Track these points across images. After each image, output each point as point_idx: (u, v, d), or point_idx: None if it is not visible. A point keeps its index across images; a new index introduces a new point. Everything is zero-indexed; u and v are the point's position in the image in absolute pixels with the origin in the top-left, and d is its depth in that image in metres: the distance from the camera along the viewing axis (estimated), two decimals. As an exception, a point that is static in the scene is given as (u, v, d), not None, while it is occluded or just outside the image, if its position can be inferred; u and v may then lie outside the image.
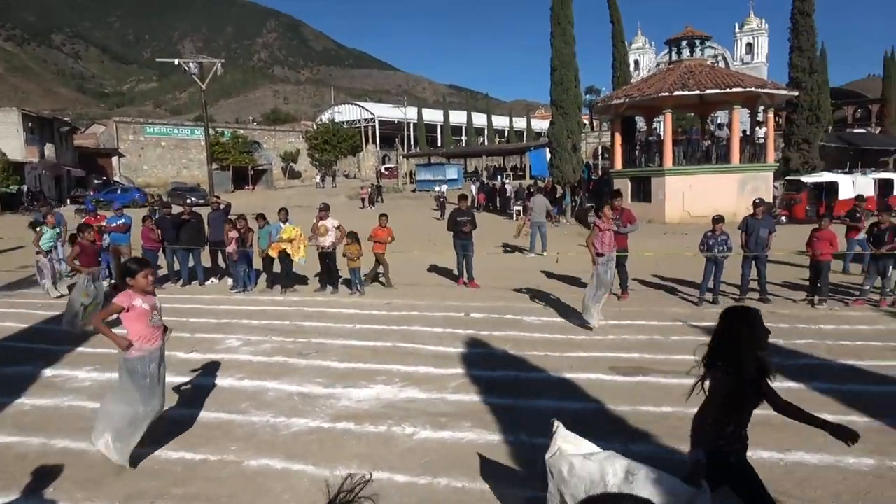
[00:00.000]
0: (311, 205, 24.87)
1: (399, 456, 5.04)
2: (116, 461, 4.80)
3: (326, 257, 12.12)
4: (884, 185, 23.82)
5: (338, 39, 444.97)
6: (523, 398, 6.20)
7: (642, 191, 25.40)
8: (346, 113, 79.33)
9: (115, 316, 5.00)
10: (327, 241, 11.96)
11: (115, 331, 4.95)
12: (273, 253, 12.22)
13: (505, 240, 18.83)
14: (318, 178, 54.73)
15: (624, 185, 25.67)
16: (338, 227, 12.09)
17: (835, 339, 8.05)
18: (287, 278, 12.36)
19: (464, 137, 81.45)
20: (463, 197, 13.23)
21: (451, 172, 46.68)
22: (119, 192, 40.94)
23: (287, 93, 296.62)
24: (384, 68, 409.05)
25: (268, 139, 66.39)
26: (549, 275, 13.57)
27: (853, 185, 23.30)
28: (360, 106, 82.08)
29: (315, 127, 66.64)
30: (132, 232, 13.41)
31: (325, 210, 12.28)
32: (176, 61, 33.31)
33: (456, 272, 12.65)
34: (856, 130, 58.03)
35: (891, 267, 9.73)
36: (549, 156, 28.82)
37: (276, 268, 12.62)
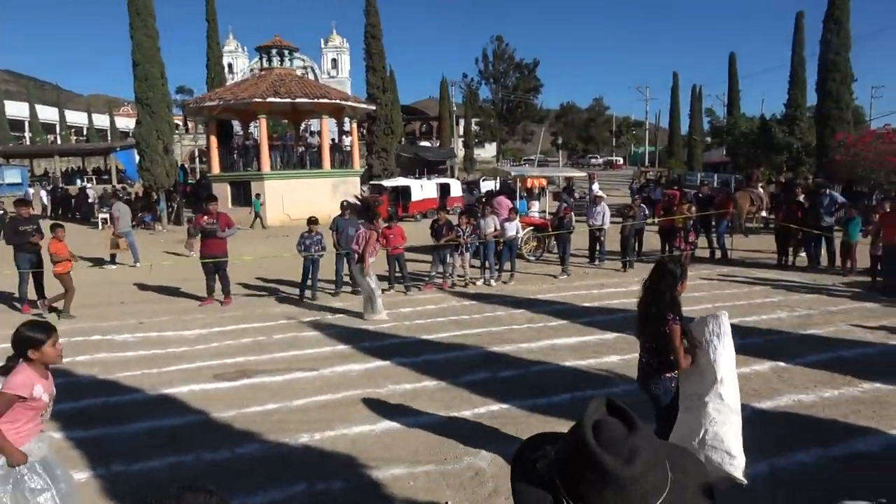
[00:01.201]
0: None
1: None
2: None
3: None
4: (444, 189, 28.71)
5: None
6: (115, 425, 5.60)
7: (243, 195, 25.36)
8: None
9: None
10: None
11: None
12: None
13: (90, 251, 16.55)
14: None
15: (224, 190, 25.20)
16: None
17: (412, 320, 9.40)
18: None
19: (27, 134, 68.49)
20: (22, 202, 11.13)
21: (12, 175, 38.85)
22: None
23: None
24: None
25: None
26: (144, 286, 12.47)
27: (422, 189, 27.50)
28: None
29: None
30: None
31: None
32: None
33: (18, 294, 10.52)
34: (422, 143, 68.57)
35: (448, 255, 11.82)
36: (137, 158, 26.38)
37: None
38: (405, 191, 26.74)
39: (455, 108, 59.84)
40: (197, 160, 52.68)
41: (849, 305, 9.53)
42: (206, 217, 10.66)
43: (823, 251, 12.71)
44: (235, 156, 26.51)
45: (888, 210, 10.50)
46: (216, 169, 26.23)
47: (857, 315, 8.93)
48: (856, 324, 8.47)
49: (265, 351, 7.89)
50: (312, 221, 11.09)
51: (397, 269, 11.57)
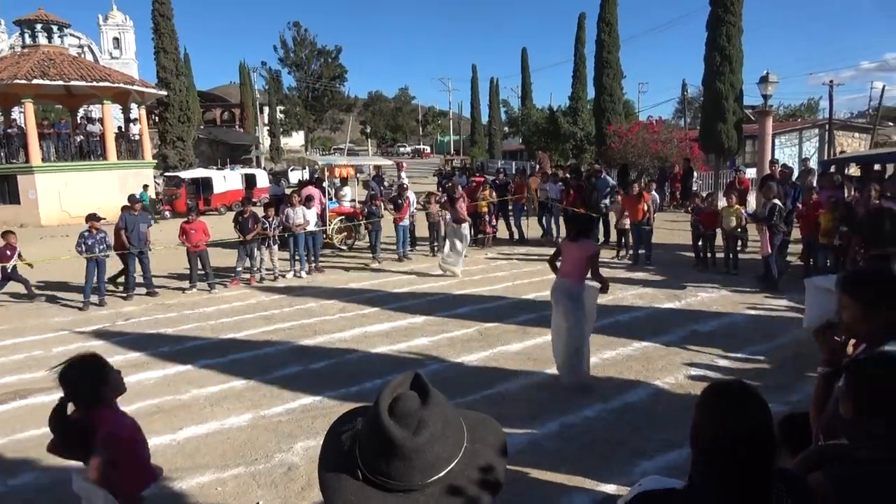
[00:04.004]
0: None
1: None
2: None
3: None
4: (249, 180, 27.47)
5: None
6: None
7: (8, 191, 22.09)
8: None
9: None
10: None
11: None
12: None
13: None
14: None
15: (-18, 185, 21.80)
16: None
17: (217, 319, 8.91)
18: None
19: None
20: None
21: None
22: None
23: None
24: None
25: None
26: None
27: (225, 180, 26.05)
28: None
29: None
30: None
31: None
32: None
33: None
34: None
35: (255, 249, 11.35)
36: None
37: None
38: (206, 182, 25.13)
39: (258, 95, 57.26)
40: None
41: (624, 275, 10.83)
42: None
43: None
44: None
45: (635, 193, 12.04)
46: (-31, 161, 22.50)
47: (630, 284, 10.19)
48: (629, 291, 9.68)
49: (43, 367, 6.97)
50: (93, 218, 10.00)
51: (200, 266, 10.86)
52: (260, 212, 11.97)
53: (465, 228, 11.80)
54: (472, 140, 58.94)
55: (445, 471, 1.12)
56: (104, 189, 21.81)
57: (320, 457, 1.23)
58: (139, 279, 10.70)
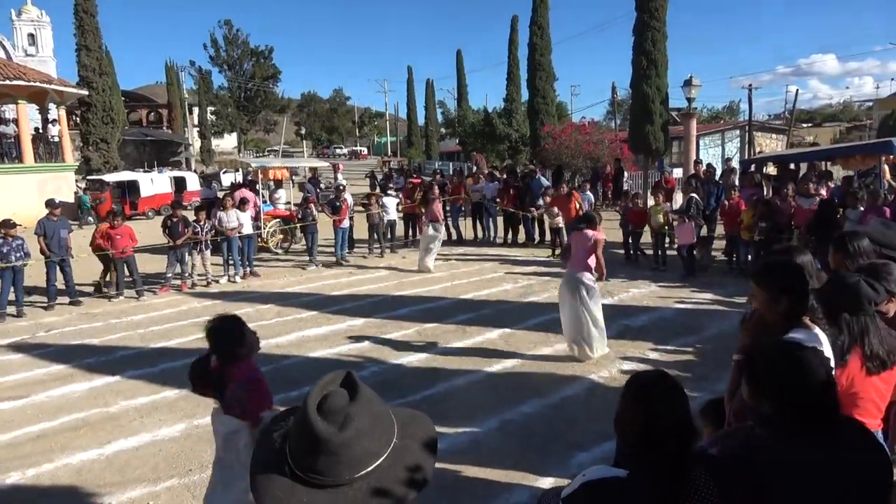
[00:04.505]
0: None
1: None
2: None
3: None
4: (178, 182, 26.53)
5: None
6: None
7: (-89, 197, 20.53)
8: None
9: None
10: None
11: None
12: None
13: None
14: None
15: None
16: None
17: (146, 327, 8.58)
18: None
19: None
20: None
21: None
22: None
23: None
24: None
25: None
26: None
27: (153, 183, 25.07)
28: None
29: None
30: None
31: None
32: None
33: None
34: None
35: (186, 254, 10.99)
36: None
37: None
38: (132, 185, 24.11)
39: (187, 96, 55.43)
40: None
41: (558, 272, 11.06)
42: None
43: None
44: None
45: (563, 193, 12.40)
46: None
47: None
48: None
49: (-46, 384, 6.57)
50: (7, 225, 9.45)
51: (126, 272, 10.43)
52: (191, 215, 11.60)
53: (441, 228, 12.32)
54: (409, 141, 58.82)
55: (373, 465, 1.14)
56: (20, 193, 20.60)
57: (252, 457, 1.24)
58: (60, 286, 10.18)
